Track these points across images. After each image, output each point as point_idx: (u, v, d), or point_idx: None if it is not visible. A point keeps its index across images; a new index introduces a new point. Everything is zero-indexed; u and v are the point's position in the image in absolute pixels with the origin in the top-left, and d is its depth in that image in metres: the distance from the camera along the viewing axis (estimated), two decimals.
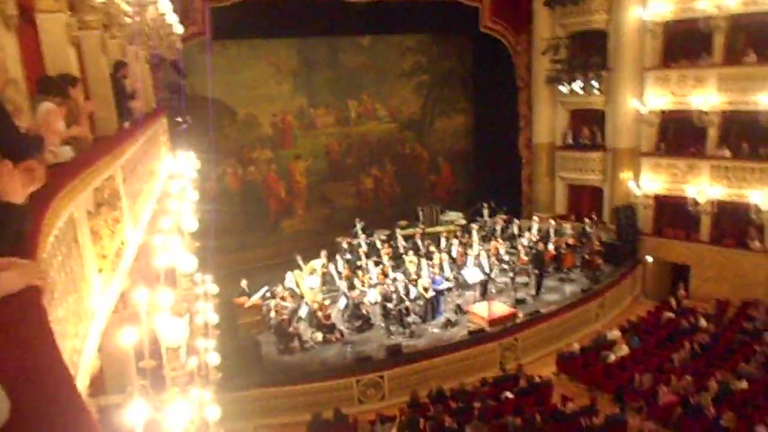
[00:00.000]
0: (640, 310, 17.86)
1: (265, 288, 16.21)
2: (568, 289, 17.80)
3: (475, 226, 20.27)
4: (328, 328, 15.06)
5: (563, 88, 20.86)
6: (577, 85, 20.37)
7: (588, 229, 19.74)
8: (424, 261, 17.21)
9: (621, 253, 19.14)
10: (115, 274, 4.16)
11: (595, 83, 20.08)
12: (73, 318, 3.08)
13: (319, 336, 15.01)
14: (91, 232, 3.71)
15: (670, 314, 16.51)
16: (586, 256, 18.56)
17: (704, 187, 18.23)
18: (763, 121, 16.95)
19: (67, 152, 4.09)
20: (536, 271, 17.43)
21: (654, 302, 18.35)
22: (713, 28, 17.73)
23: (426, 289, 15.73)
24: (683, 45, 18.99)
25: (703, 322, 15.60)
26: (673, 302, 17.28)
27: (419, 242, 19.20)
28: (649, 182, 19.60)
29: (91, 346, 3.38)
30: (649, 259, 19.65)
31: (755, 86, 16.97)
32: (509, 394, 12.62)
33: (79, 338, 3.16)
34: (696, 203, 18.37)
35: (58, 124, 4.02)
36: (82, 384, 3.17)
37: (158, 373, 4.16)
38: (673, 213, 19.57)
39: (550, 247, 18.65)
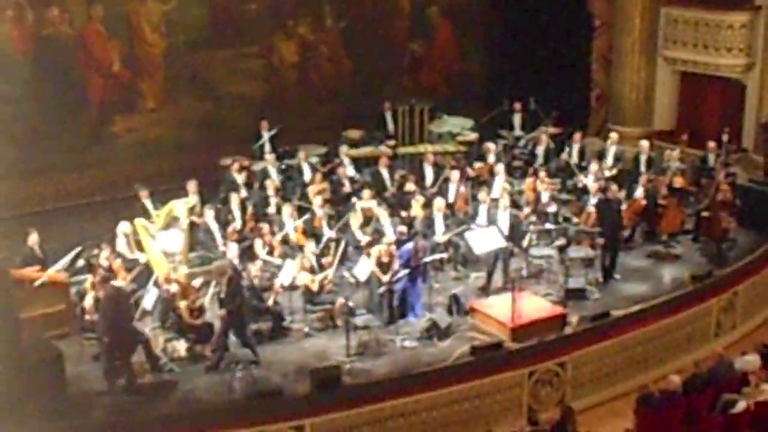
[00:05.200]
0: None
1: (77, 250, 16.13)
2: (668, 273, 18.23)
3: (493, 147, 20.40)
4: (199, 333, 15.11)
5: None
6: None
7: (713, 160, 20.11)
8: (383, 212, 17.44)
9: None
10: None
11: None
12: None
13: (181, 347, 15.07)
14: None
15: None
16: (706, 213, 18.94)
17: None
18: None
19: None
20: (605, 239, 17.73)
21: None
22: None
23: (387, 265, 15.91)
24: None
25: None
26: None
27: (385, 173, 19.39)
28: None
29: None
30: None
31: None
32: None
33: None
34: None
35: None
36: None
37: None
38: None
39: (639, 192, 18.94)
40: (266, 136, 19.84)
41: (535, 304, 16.24)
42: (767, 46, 20.61)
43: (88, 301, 15.21)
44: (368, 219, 17.46)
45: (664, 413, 15.00)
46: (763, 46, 20.75)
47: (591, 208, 18.16)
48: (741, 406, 14.64)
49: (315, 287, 15.97)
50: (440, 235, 17.45)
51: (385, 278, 15.79)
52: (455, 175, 19.08)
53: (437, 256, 17.02)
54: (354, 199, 18.29)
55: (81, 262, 16.14)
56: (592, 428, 14.40)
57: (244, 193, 18.28)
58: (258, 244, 16.54)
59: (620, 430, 14.81)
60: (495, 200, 18.08)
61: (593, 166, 19.84)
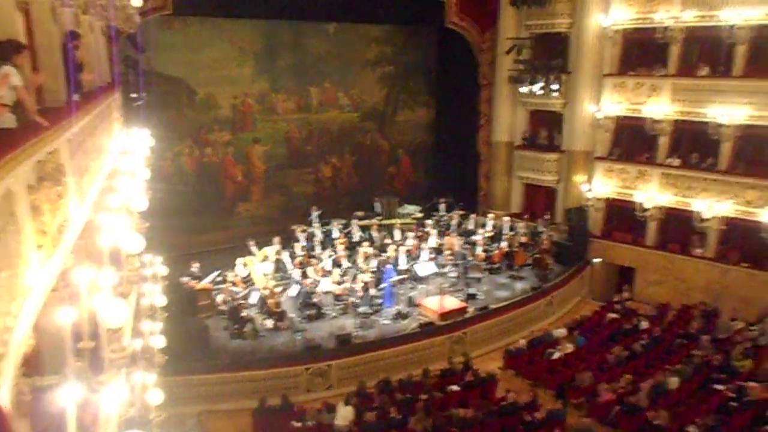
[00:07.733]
0: (586, 309, 18.30)
1: (216, 272, 15.98)
2: (519, 286, 18.05)
3: (430, 221, 20.42)
4: (278, 316, 14.93)
5: (524, 89, 21.10)
6: (538, 87, 20.64)
7: (540, 228, 20.09)
8: (373, 253, 17.27)
9: (571, 254, 19.54)
10: (55, 251, 4.02)
11: (554, 86, 20.39)
12: (5, 295, 2.96)
13: (269, 323, 14.87)
14: (30, 206, 3.57)
15: (614, 315, 16.98)
16: (537, 255, 18.89)
17: (653, 193, 18.79)
18: (710, 133, 17.58)
19: (9, 121, 3.93)
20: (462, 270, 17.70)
21: (599, 303, 18.85)
22: (670, 39, 18.26)
23: (366, 284, 15.74)
24: (641, 54, 19.48)
25: (644, 324, 16.09)
26: (617, 303, 17.79)
27: (375, 234, 19.23)
28: (600, 186, 20.07)
29: (24, 324, 3.26)
30: (597, 260, 20.16)
31: (706, 98, 17.58)
32: (455, 387, 12.77)
33: (12, 316, 3.04)
34: (644, 209, 18.90)
35: (2, 91, 3.85)
36: (12, 362, 3.06)
37: (98, 355, 4.05)
38: (622, 217, 20.09)
39: (503, 244, 18.94)
40: (314, 214, 19.73)
41: (451, 301, 16.17)
42: (567, 171, 20.65)
43: (220, 298, 15.12)
44: (366, 257, 17.35)
45: (517, 359, 14.89)
46: (565, 171, 20.80)
47: (479, 252, 18.18)
48: (556, 355, 14.58)
49: (339, 292, 15.90)
50: (403, 265, 17.35)
51: (374, 290, 15.76)
52: (411, 234, 19.00)
53: (401, 276, 16.93)
54: (359, 247, 18.14)
55: (219, 278, 16.01)
56: (480, 367, 14.24)
57: (303, 243, 18.14)
58: (310, 270, 16.44)
59: (495, 368, 14.67)
60: (431, 248, 18.12)
61: (480, 231, 19.86)
